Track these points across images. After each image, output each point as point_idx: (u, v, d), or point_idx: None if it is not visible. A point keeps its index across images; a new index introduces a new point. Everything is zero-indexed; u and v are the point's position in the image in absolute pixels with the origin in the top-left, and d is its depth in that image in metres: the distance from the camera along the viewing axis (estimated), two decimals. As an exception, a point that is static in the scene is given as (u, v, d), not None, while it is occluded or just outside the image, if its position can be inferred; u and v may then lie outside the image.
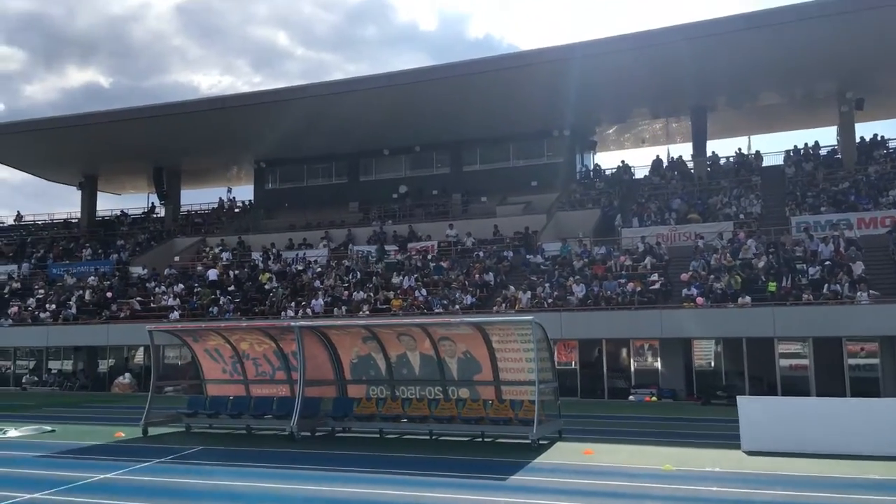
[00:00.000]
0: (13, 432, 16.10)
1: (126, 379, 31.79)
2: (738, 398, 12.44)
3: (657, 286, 25.06)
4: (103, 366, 34.25)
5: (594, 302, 24.55)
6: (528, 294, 26.39)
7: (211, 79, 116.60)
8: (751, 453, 11.52)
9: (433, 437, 13.97)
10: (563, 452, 12.04)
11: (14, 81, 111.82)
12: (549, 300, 25.43)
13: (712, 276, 23.86)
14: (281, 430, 15.19)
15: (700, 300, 22.64)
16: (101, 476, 10.97)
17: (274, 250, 36.84)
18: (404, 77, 34.79)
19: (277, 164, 43.38)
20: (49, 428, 16.92)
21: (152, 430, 15.80)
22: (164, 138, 39.79)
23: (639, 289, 24.56)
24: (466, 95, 33.81)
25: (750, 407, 12.05)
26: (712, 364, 23.46)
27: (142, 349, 33.61)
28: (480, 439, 13.67)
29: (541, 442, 12.84)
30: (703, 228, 27.86)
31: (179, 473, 11.23)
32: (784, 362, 22.10)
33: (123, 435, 15.56)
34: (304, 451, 13.27)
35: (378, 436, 14.44)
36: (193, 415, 16.02)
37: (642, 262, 27.14)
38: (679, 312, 22.66)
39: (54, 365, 34.81)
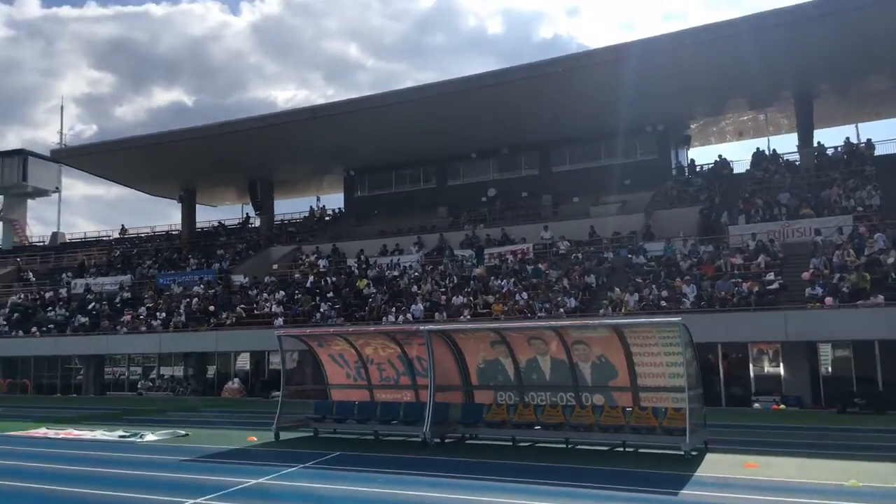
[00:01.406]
0: (150, 436, 16.73)
1: (235, 384, 32.80)
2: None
3: (775, 286, 23.98)
4: (211, 371, 35.49)
5: (708, 303, 23.66)
6: (636, 296, 25.71)
7: (287, 93, 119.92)
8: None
9: (569, 446, 13.64)
10: (722, 465, 11.48)
11: (105, 104, 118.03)
12: (661, 302, 24.65)
13: (837, 275, 22.61)
14: (409, 436, 15.22)
15: (829, 300, 21.47)
16: (254, 481, 11.18)
17: (363, 256, 37.27)
18: (487, 79, 34.64)
19: (366, 171, 44.04)
20: (182, 432, 17.51)
21: (282, 435, 16.09)
22: (257, 151, 41.01)
23: (756, 289, 23.54)
24: (551, 94, 33.43)
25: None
26: (842, 369, 22.15)
27: (247, 355, 34.69)
28: (622, 449, 13.23)
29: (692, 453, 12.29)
30: (819, 223, 26.52)
31: (328, 479, 11.34)
32: (922, 365, 20.70)
33: (256, 439, 15.91)
34: (439, 457, 13.22)
35: (510, 443, 14.24)
36: (321, 420, 16.25)
37: (755, 260, 26.06)
38: (805, 313, 21.54)
39: (166, 371, 36.29)
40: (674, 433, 12.32)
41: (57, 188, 54.50)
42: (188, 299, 37.52)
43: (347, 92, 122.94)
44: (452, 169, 42.14)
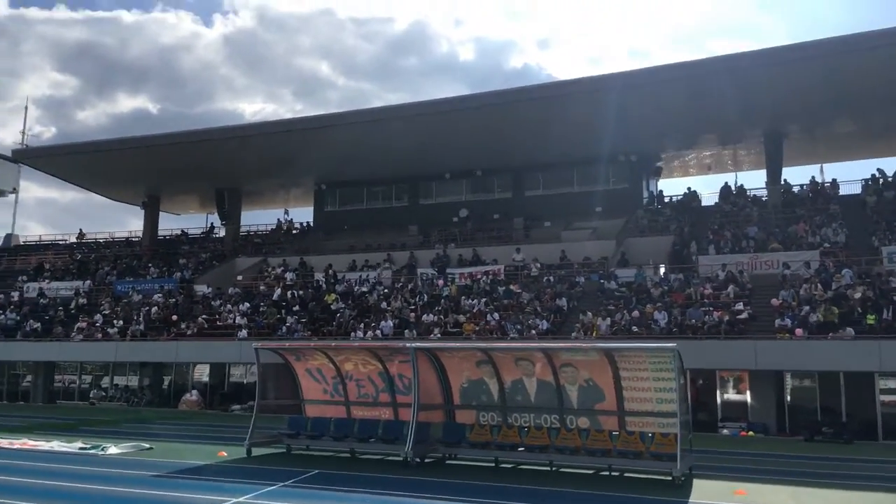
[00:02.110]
0: (113, 449, 16.01)
1: (193, 396, 31.85)
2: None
3: (744, 315, 24.33)
4: (167, 382, 34.40)
5: (680, 330, 23.85)
6: (608, 321, 25.81)
7: (255, 106, 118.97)
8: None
9: (553, 469, 13.44)
10: (713, 492, 11.40)
11: (67, 107, 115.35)
12: (633, 327, 24.78)
13: (806, 308, 23.04)
14: (388, 455, 14.85)
15: (798, 331, 21.84)
16: (234, 500, 10.71)
17: (331, 270, 36.78)
18: (467, 102, 34.87)
19: (337, 186, 43.63)
20: (146, 445, 16.80)
21: (254, 451, 15.53)
22: (227, 160, 40.40)
23: (726, 318, 23.84)
24: (528, 121, 33.71)
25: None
26: (807, 399, 22.50)
27: (206, 366, 33.73)
28: (607, 473, 13.07)
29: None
30: (787, 257, 27.06)
31: (310, 499, 10.97)
32: (885, 398, 21.15)
33: (226, 454, 15.33)
34: (421, 477, 12.89)
35: (493, 465, 13.97)
36: (295, 436, 15.76)
37: (724, 290, 26.43)
38: (774, 343, 21.90)
39: (120, 380, 35.04)
40: (662, 458, 12.25)
41: (14, 189, 52.68)
42: (147, 308, 36.44)
43: (316, 108, 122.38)
44: (425, 188, 42.04)
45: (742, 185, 36.30)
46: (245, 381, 33.18)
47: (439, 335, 28.30)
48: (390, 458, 14.90)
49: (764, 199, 34.52)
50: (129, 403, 32.89)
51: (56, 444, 16.84)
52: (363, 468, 13.91)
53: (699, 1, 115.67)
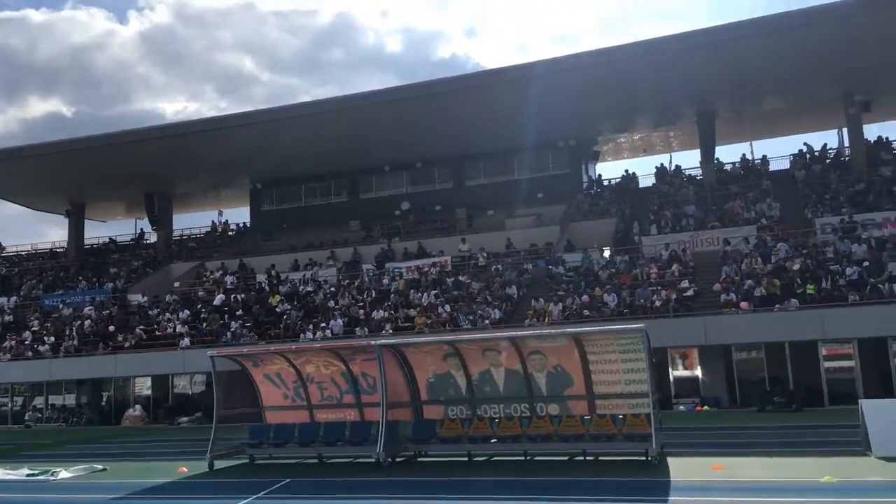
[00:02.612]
0: (64, 473, 15.05)
1: (136, 411, 30.57)
2: (863, 402, 12.14)
3: (690, 293, 24.90)
4: (106, 398, 32.88)
5: (631, 311, 24.22)
6: (560, 306, 26.00)
7: (176, 105, 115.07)
8: (888, 459, 11.15)
9: (528, 458, 13.34)
10: (690, 469, 11.50)
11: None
12: (584, 311, 25.02)
13: (749, 282, 23.73)
14: (356, 457, 14.48)
15: (744, 305, 22.48)
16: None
17: (274, 271, 35.92)
18: (394, 94, 34.49)
19: (273, 184, 42.60)
20: (99, 466, 15.91)
21: (216, 463, 14.88)
22: (156, 162, 38.84)
23: (673, 296, 24.33)
24: (463, 110, 33.60)
25: (876, 411, 11.75)
26: (755, 370, 23.19)
27: (149, 379, 32.39)
28: (582, 458, 13.05)
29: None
30: (726, 233, 27.83)
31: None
32: (828, 364, 22.00)
33: (186, 470, 14.65)
34: (395, 478, 12.59)
35: (466, 459, 13.78)
36: (257, 445, 15.19)
37: (669, 269, 26.99)
38: (722, 318, 22.47)
39: (55, 400, 33.30)
40: (634, 439, 12.32)
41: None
42: (79, 321, 34.75)
43: (241, 105, 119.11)
44: (364, 182, 41.48)
45: (678, 166, 37.22)
46: (190, 392, 32.04)
47: (391, 331, 27.96)
48: (360, 460, 14.52)
49: (698, 178, 35.42)
50: (68, 423, 31.29)
51: (0, 473, 15.73)
52: (334, 473, 13.51)
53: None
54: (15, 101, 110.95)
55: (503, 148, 37.48)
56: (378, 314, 29.58)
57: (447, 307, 28.66)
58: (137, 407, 30.80)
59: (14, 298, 38.73)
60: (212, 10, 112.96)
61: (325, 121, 35.02)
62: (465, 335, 16.38)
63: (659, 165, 37.73)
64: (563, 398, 13.52)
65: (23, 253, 46.98)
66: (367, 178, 41.28)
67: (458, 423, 13.98)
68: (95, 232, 47.26)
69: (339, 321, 29.56)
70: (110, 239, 46.43)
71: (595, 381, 13.18)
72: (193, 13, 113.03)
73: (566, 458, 13.15)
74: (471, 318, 27.32)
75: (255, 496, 11.34)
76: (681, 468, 11.53)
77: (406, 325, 28.52)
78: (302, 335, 29.21)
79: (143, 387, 32.92)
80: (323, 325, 29.60)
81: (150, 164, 38.81)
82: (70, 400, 33.11)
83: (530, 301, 27.66)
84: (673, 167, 37.62)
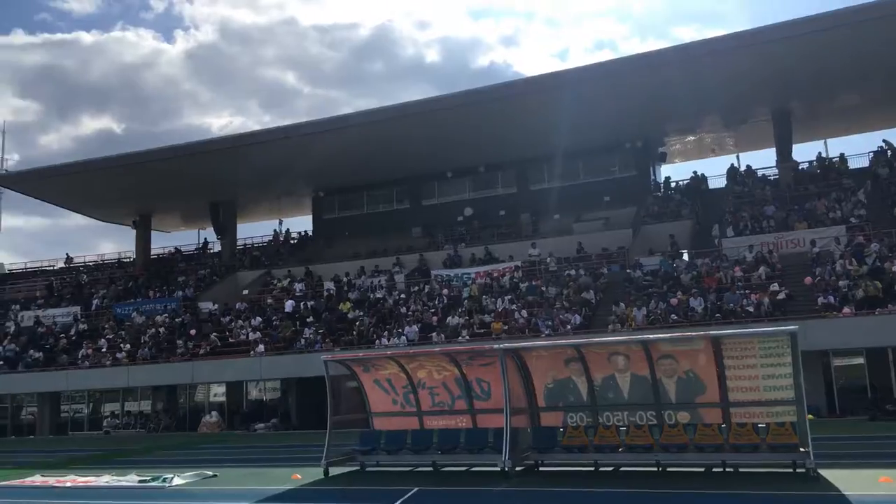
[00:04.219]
0: (177, 480, 15.09)
1: (213, 417, 30.85)
2: None
3: (782, 296, 24.12)
4: (182, 405, 33.26)
5: (723, 316, 23.53)
6: (643, 310, 25.44)
7: (222, 120, 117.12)
8: None
9: (661, 469, 12.86)
10: (857, 482, 10.85)
11: (29, 132, 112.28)
12: (672, 316, 24.42)
13: (845, 283, 22.89)
14: (474, 466, 14.20)
15: (846, 310, 21.66)
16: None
17: (345, 278, 35.94)
18: (459, 99, 34.25)
19: (336, 192, 42.74)
20: (209, 473, 15.92)
21: (330, 471, 14.72)
22: (222, 173, 39.31)
23: (766, 300, 23.59)
24: (529, 113, 33.23)
25: None
26: (856, 377, 22.30)
27: (223, 386, 32.68)
28: (721, 469, 12.48)
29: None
30: (814, 234, 26.93)
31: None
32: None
33: (301, 477, 14.52)
34: (526, 488, 12.26)
35: (592, 469, 13.35)
36: (369, 452, 15.00)
37: (755, 272, 26.23)
38: (823, 322, 21.65)
39: (130, 406, 33.81)
40: (778, 449, 11.77)
41: (-5, 216, 50.77)
42: (152, 329, 35.23)
43: (284, 119, 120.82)
44: (426, 188, 41.33)
45: (749, 166, 36.29)
46: (265, 399, 32.28)
47: (468, 337, 27.73)
48: (476, 468, 14.25)
49: (772, 177, 34.51)
50: (147, 430, 31.68)
51: (109, 479, 15.85)
52: (459, 482, 13.22)
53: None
54: (68, 119, 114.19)
55: (568, 151, 36.90)
56: (453, 320, 29.34)
57: (524, 313, 28.29)
58: (214, 413, 31.07)
59: (81, 307, 39.42)
60: (255, 27, 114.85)
61: (387, 129, 34.98)
62: (595, 339, 15.92)
63: (730, 166, 36.83)
64: (695, 405, 13.01)
65: (90, 263, 47.91)
66: (429, 184, 41.11)
67: (582, 430, 13.58)
68: (161, 242, 48.05)
69: (414, 327, 29.39)
70: (176, 249, 47.09)
71: (730, 388, 12.64)
72: (237, 30, 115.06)
73: (702, 470, 12.62)
74: (549, 323, 26.91)
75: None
76: (844, 480, 10.86)
77: (482, 331, 28.23)
78: (377, 341, 29.11)
79: (218, 393, 33.28)
80: (397, 331, 29.44)
81: (217, 174, 39.29)
82: (146, 406, 33.60)
83: (610, 306, 27.12)
84: (744, 167, 36.74)
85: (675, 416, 13.17)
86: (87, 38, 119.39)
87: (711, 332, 13.90)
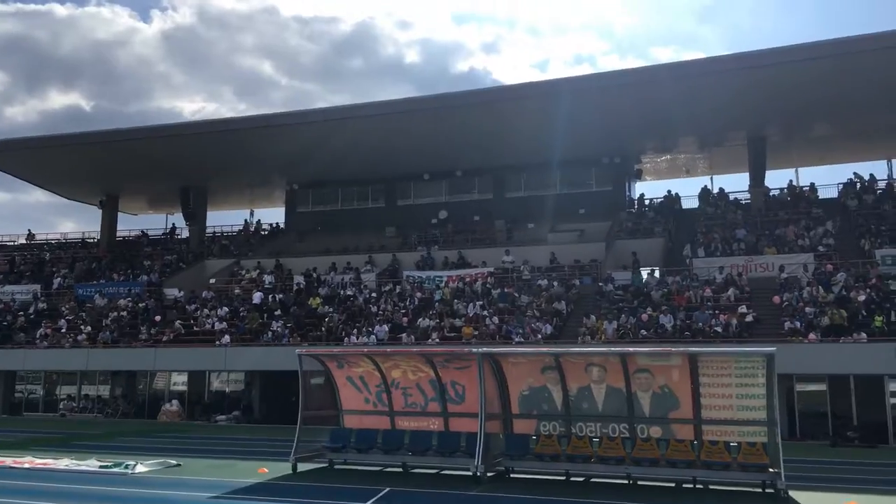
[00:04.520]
0: (140, 467, 14.77)
1: (174, 406, 30.29)
2: None
3: (749, 318, 24.57)
4: (141, 391, 32.58)
5: (692, 335, 23.88)
6: (614, 324, 25.69)
7: (194, 105, 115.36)
8: None
9: (631, 482, 12.96)
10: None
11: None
12: (642, 331, 24.71)
13: (813, 310, 23.41)
14: (444, 469, 14.17)
15: (812, 336, 22.14)
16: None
17: (316, 274, 35.64)
18: (441, 101, 34.36)
19: (311, 186, 42.39)
20: (173, 462, 15.61)
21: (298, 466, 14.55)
22: (196, 157, 38.73)
23: (734, 321, 24.02)
24: (508, 121, 33.42)
25: None
26: (817, 403, 22.79)
27: (185, 375, 32.09)
28: (691, 486, 12.62)
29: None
30: (783, 259, 27.52)
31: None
32: (895, 401, 21.63)
33: (268, 471, 14.32)
34: (499, 494, 12.25)
35: (563, 478, 13.39)
36: (339, 449, 14.87)
37: (725, 293, 26.68)
38: (789, 347, 21.99)
39: (88, 390, 33.00)
40: (749, 469, 11.96)
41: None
42: (115, 312, 34.49)
43: (259, 108, 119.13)
44: (402, 188, 41.27)
45: (722, 189, 36.96)
46: (227, 390, 31.78)
47: (438, 340, 27.69)
48: (446, 471, 14.21)
49: (744, 201, 35.19)
50: (104, 415, 30.97)
51: (69, 462, 15.45)
52: (430, 484, 13.16)
53: (641, 10, 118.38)
54: (35, 92, 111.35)
55: (545, 161, 37.21)
56: (423, 322, 29.27)
57: (495, 319, 28.36)
58: (174, 402, 30.52)
59: (41, 286, 38.42)
60: (234, 13, 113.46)
61: (366, 126, 34.80)
62: (574, 348, 16.00)
63: (703, 188, 37.44)
64: (667, 421, 13.17)
65: (52, 242, 46.75)
66: (405, 184, 41.07)
67: (555, 439, 13.64)
68: (126, 225, 47.09)
69: (384, 327, 29.25)
70: (142, 232, 46.22)
71: (704, 405, 12.82)
72: (216, 15, 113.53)
73: (673, 485, 12.76)
74: (520, 331, 27.01)
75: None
76: (814, 502, 11.08)
77: (452, 334, 28.22)
78: (346, 339, 28.91)
79: (178, 382, 32.67)
80: (367, 330, 29.27)
81: (191, 158, 38.72)
82: (104, 391, 32.83)
83: (581, 317, 27.35)
84: (716, 190, 37.38)
85: (647, 430, 13.32)
86: (60, 10, 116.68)
87: (690, 348, 14.04)
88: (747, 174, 35.49)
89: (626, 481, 12.95)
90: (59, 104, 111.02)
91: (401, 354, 15.48)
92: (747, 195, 35.27)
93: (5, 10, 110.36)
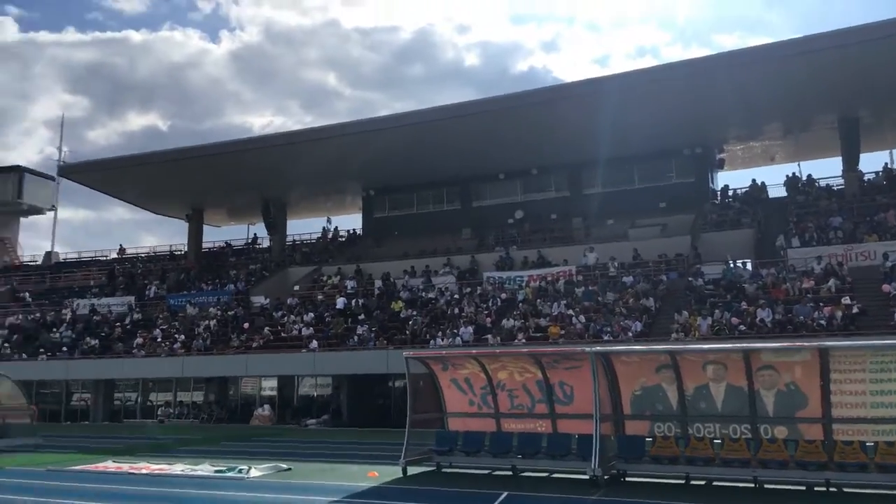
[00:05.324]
0: (254, 471, 15.08)
1: (265, 410, 30.97)
2: None
3: (855, 310, 23.40)
4: (233, 397, 33.51)
5: (794, 329, 22.90)
6: (708, 320, 24.89)
7: (263, 119, 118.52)
8: None
9: (758, 486, 12.39)
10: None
11: (78, 127, 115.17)
12: (741, 326, 23.84)
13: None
14: (555, 472, 13.93)
15: (928, 326, 20.94)
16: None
17: (393, 279, 35.87)
18: (516, 100, 33.96)
19: (386, 191, 42.77)
20: (284, 466, 15.89)
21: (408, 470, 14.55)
22: (275, 169, 39.58)
23: (839, 314, 22.92)
24: (583, 116, 32.78)
25: None
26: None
27: (275, 379, 32.83)
28: (824, 489, 11.93)
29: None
30: (885, 247, 26.14)
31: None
32: None
33: (378, 475, 14.39)
34: (620, 499, 11.89)
35: (683, 482, 12.95)
36: (446, 452, 14.81)
37: (825, 284, 25.51)
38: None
39: (182, 396, 34.14)
40: (889, 470, 11.25)
41: (53, 206, 51.81)
42: (206, 321, 35.55)
43: (324, 119, 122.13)
44: (477, 189, 41.17)
45: (811, 175, 35.44)
46: (315, 394, 32.35)
47: (524, 340, 27.42)
48: (557, 475, 13.96)
49: (836, 187, 33.66)
50: (200, 420, 31.97)
51: (184, 468, 15.92)
52: (547, 489, 12.91)
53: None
54: (116, 115, 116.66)
55: (622, 155, 36.43)
56: (508, 322, 29.07)
57: (581, 318, 27.91)
58: (266, 406, 31.22)
59: (134, 297, 39.93)
60: (299, 29, 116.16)
61: (441, 129, 34.84)
62: (692, 346, 15.52)
63: (791, 175, 35.99)
64: (794, 420, 12.52)
65: (142, 255, 48.62)
66: (480, 185, 40.97)
67: (672, 441, 13.21)
68: (211, 236, 48.66)
69: (468, 328, 29.17)
70: (226, 243, 47.59)
71: (834, 403, 12.15)
72: (281, 32, 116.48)
73: (803, 488, 12.12)
74: (609, 329, 26.49)
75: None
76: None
77: (538, 334, 27.92)
78: (431, 341, 28.96)
79: (267, 387, 33.46)
80: (452, 332, 29.26)
81: (271, 170, 39.58)
82: (197, 397, 33.89)
83: (671, 314, 26.63)
84: (805, 177, 35.87)
85: (771, 431, 12.71)
86: (136, 36, 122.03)
87: (822, 342, 13.34)
88: (836, 159, 34.03)
89: (751, 485, 12.39)
90: (137, 125, 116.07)
91: (508, 355, 15.32)
92: (839, 181, 33.79)
93: (84, 38, 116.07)
